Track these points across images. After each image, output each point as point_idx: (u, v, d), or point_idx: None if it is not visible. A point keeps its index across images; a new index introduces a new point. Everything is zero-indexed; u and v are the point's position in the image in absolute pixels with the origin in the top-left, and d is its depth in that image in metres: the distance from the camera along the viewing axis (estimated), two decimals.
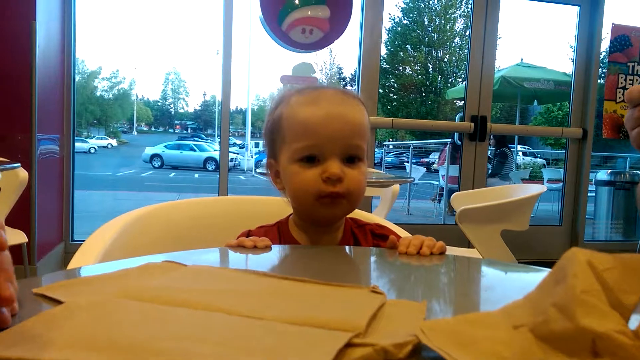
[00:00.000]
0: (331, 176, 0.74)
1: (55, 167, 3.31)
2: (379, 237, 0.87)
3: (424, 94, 21.58)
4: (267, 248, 0.71)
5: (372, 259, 0.71)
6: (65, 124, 3.41)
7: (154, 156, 17.04)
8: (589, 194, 4.16)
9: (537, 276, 0.64)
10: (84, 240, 0.82)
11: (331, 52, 20.83)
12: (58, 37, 3.28)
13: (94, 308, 0.37)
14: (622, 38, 3.99)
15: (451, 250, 0.73)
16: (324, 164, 0.75)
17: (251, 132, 21.10)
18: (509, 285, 0.61)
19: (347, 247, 0.81)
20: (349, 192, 0.76)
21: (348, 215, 0.87)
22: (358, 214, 0.99)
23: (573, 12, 4.09)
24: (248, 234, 0.85)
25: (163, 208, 1.00)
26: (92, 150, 20.99)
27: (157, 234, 0.95)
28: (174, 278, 0.47)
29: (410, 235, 0.79)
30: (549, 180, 7.89)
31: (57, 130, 3.32)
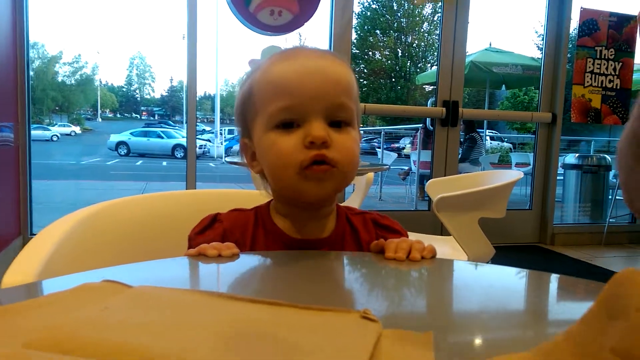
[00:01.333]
0: (315, 140, 0.61)
1: (10, 156, 3.12)
2: (383, 227, 0.75)
3: (393, 79, 21.64)
4: (234, 256, 0.60)
5: (358, 266, 0.63)
6: (20, 111, 3.21)
7: (120, 144, 16.56)
8: (557, 178, 4.21)
9: (539, 282, 0.59)
10: None
11: (300, 36, 20.59)
12: (8, 19, 3.06)
13: None
14: (590, 22, 4.02)
15: (427, 240, 0.65)
16: (305, 128, 0.62)
17: (220, 118, 20.75)
18: (517, 296, 0.54)
19: (328, 253, 0.69)
20: (339, 161, 0.62)
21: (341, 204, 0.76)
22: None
23: None
24: (214, 218, 0.73)
25: (120, 204, 0.90)
26: (55, 138, 20.25)
27: (113, 235, 0.85)
28: (113, 310, 0.38)
29: (405, 232, 0.71)
30: (517, 164, 8.02)
31: (11, 117, 3.12)
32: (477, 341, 0.38)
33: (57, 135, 20.74)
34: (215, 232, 0.71)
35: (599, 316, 0.24)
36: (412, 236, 0.70)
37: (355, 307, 0.38)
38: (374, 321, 0.35)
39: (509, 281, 0.61)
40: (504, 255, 3.57)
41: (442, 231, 3.34)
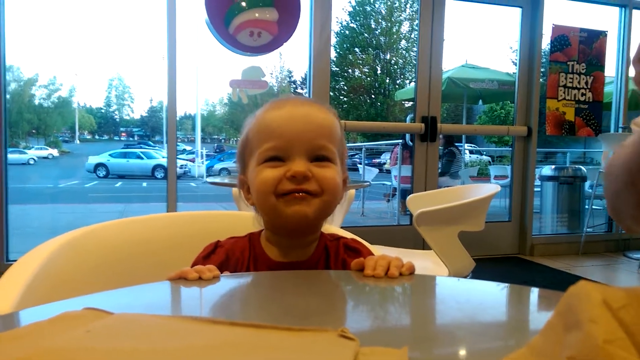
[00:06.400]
0: (296, 174, 0.71)
1: None
2: (350, 249, 0.81)
3: (373, 96, 21.88)
4: (215, 279, 0.61)
5: (338, 284, 0.64)
6: None
7: (99, 165, 16.31)
8: (535, 189, 4.29)
9: (515, 295, 0.60)
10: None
11: (281, 55, 20.74)
12: None
13: None
14: (562, 38, 4.15)
15: (409, 254, 0.67)
16: (288, 164, 0.72)
17: (201, 138, 20.64)
18: (495, 312, 0.55)
19: (308, 272, 0.72)
20: (322, 190, 0.72)
21: (327, 231, 0.83)
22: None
23: (515, 13, 4.22)
24: (216, 245, 0.81)
25: (98, 230, 0.89)
26: (32, 162, 19.85)
27: (93, 261, 0.85)
28: (94, 335, 0.38)
29: (378, 252, 0.73)
30: (496, 177, 8.15)
31: None
32: (453, 355, 0.39)
33: (33, 159, 20.33)
34: (218, 257, 0.79)
35: (557, 328, 0.26)
36: (394, 251, 0.72)
37: (335, 325, 0.39)
38: (352, 339, 0.36)
39: (486, 295, 0.62)
40: (485, 267, 3.61)
41: (424, 245, 3.37)
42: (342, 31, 21.15)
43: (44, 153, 23.08)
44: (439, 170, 6.42)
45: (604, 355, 0.22)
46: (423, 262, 2.00)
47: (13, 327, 0.46)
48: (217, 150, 21.75)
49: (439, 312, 0.54)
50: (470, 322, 0.49)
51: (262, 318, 0.41)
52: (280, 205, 0.72)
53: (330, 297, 0.59)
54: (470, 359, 0.39)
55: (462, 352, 0.41)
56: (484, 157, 15.63)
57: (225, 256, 0.79)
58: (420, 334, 0.45)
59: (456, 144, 7.13)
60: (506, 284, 0.62)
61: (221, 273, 0.65)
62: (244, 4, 3.44)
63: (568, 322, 0.25)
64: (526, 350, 0.27)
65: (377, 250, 0.83)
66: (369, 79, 21.99)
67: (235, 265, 0.79)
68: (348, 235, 0.88)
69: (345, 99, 21.64)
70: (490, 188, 1.90)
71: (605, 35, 4.30)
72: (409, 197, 2.23)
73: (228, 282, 0.63)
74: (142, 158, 17.09)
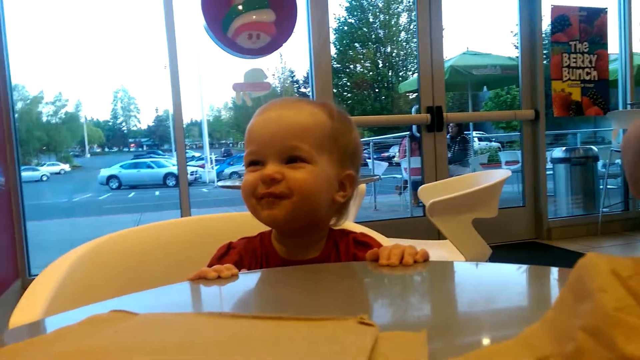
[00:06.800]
0: (263, 178, 0.74)
1: (2, 200, 3.12)
2: (360, 244, 0.82)
3: (377, 90, 21.84)
4: (234, 277, 0.63)
5: (354, 275, 0.65)
6: (8, 153, 3.21)
7: (111, 177, 16.48)
8: (547, 173, 4.25)
9: (530, 277, 0.61)
10: None
11: (282, 56, 20.76)
12: None
13: None
14: (562, 18, 4.11)
15: (425, 245, 0.68)
16: (264, 167, 0.75)
17: (209, 143, 20.72)
18: (507, 291, 0.56)
19: (325, 265, 0.73)
20: (292, 192, 0.73)
21: (337, 227, 0.84)
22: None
23: None
24: (229, 246, 0.83)
25: (117, 238, 0.91)
26: (44, 178, 20.09)
27: (114, 268, 0.87)
28: (122, 334, 0.39)
29: (390, 243, 0.74)
30: (507, 162, 8.09)
31: (0, 160, 3.12)
32: (471, 337, 0.40)
33: (46, 175, 20.58)
34: (231, 258, 0.81)
35: (568, 300, 0.27)
36: (409, 243, 0.73)
37: (354, 314, 0.40)
38: (371, 325, 0.37)
39: (502, 277, 0.63)
40: (502, 254, 3.59)
41: (439, 236, 3.36)
42: (341, 27, 21.12)
43: (56, 169, 23.35)
44: (453, 158, 6.41)
45: (614, 322, 0.23)
46: (439, 252, 2.00)
47: (40, 334, 0.48)
48: (225, 154, 21.85)
49: (457, 296, 0.55)
50: (488, 304, 0.50)
51: (282, 311, 0.42)
52: (258, 209, 0.76)
53: (347, 288, 0.60)
54: (490, 339, 0.40)
55: (481, 333, 0.41)
56: (494, 144, 15.53)
57: (239, 256, 0.81)
58: (438, 317, 0.46)
59: (464, 132, 7.11)
60: (523, 265, 0.62)
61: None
62: (240, 7, 3.45)
63: (579, 293, 0.26)
64: (540, 325, 0.28)
65: (391, 241, 0.83)
66: (371, 73, 21.94)
67: (249, 265, 0.80)
68: (357, 229, 0.89)
69: (349, 94, 21.62)
70: (501, 174, 1.89)
71: (606, 12, 4.25)
72: (420, 188, 2.23)
73: (246, 279, 0.65)
74: (152, 167, 17.22)
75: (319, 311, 0.41)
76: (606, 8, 4.26)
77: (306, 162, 0.75)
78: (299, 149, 0.75)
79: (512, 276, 0.63)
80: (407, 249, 0.67)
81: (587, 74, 4.15)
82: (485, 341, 0.39)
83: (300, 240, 0.81)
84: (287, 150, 0.75)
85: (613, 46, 4.41)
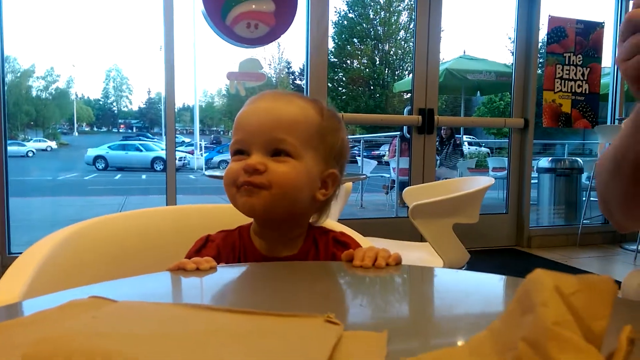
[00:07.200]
0: (246, 167, 0.74)
1: None
2: (339, 243, 0.83)
3: (372, 87, 21.85)
4: (212, 270, 0.64)
5: (328, 275, 0.67)
6: None
7: (98, 158, 16.33)
8: (532, 181, 4.32)
9: (495, 285, 0.63)
10: (22, 253, 0.75)
11: (279, 46, 20.69)
12: None
13: None
14: (558, 29, 4.16)
15: (405, 246, 0.71)
16: (248, 158, 0.76)
17: (200, 130, 20.62)
18: (473, 300, 0.58)
19: (301, 263, 0.76)
20: (271, 184, 0.74)
21: (317, 225, 0.85)
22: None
23: (512, 3, 4.22)
24: (207, 239, 0.83)
25: (100, 223, 0.92)
26: (30, 154, 19.85)
27: (96, 253, 0.88)
28: (100, 320, 0.41)
29: (367, 242, 0.76)
30: (494, 169, 8.17)
31: None
32: (430, 337, 0.42)
33: (32, 151, 20.33)
34: (209, 251, 0.81)
35: (515, 312, 0.29)
36: (391, 243, 0.75)
37: (323, 312, 0.42)
38: (337, 324, 0.40)
39: (473, 285, 0.65)
40: (482, 259, 3.65)
41: (421, 238, 3.40)
42: (341, 21, 21.06)
43: (42, 145, 23.05)
44: (444, 160, 6.47)
45: (551, 335, 0.25)
46: (419, 253, 2.03)
47: (19, 316, 0.49)
48: (214, 142, 21.73)
49: (423, 300, 0.57)
50: (452, 309, 0.52)
51: (256, 305, 0.44)
52: (237, 196, 0.76)
53: (320, 286, 0.62)
54: (448, 344, 0.42)
55: (441, 337, 0.44)
56: (483, 149, 15.66)
57: (216, 251, 0.81)
58: (402, 320, 0.48)
59: (455, 135, 7.17)
60: (495, 275, 0.64)
61: None
62: None
63: (524, 306, 0.28)
64: (487, 333, 0.31)
65: (370, 242, 0.85)
66: (367, 70, 21.94)
67: (226, 259, 0.81)
68: (337, 228, 0.91)
69: (344, 90, 21.61)
70: (484, 181, 1.92)
71: (603, 26, 4.31)
72: (405, 190, 2.26)
73: (224, 273, 0.66)
74: (140, 150, 17.09)
75: (291, 308, 0.43)
76: (603, 22, 4.32)
77: (291, 157, 0.75)
78: (285, 142, 0.75)
79: (482, 284, 0.65)
80: (381, 252, 0.68)
81: (579, 86, 4.21)
82: (444, 345, 0.42)
83: (278, 235, 0.82)
84: (273, 143, 0.75)
85: (607, 60, 4.47)
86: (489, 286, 0.64)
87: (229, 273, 0.68)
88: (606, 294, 0.27)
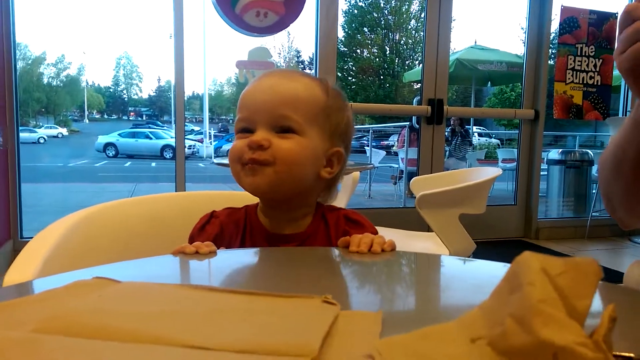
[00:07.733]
0: (250, 143, 0.74)
1: None
2: (352, 222, 0.83)
3: (382, 77, 21.73)
4: (212, 254, 0.66)
5: (326, 260, 0.69)
6: (7, 114, 3.22)
7: (108, 145, 16.47)
8: (542, 173, 4.30)
9: (489, 271, 0.64)
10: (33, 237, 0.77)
11: (289, 34, 20.62)
12: None
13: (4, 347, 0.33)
14: (571, 20, 4.11)
15: (412, 236, 0.72)
16: (253, 134, 0.76)
17: (209, 118, 20.67)
18: (463, 284, 0.60)
19: (300, 248, 0.77)
20: (275, 160, 0.73)
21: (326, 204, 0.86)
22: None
23: None
24: (211, 215, 0.83)
25: (112, 207, 0.94)
26: (42, 141, 20.06)
27: (107, 237, 0.90)
28: (106, 298, 0.43)
29: (371, 227, 0.77)
30: (504, 160, 8.12)
31: (0, 120, 3.13)
32: (424, 315, 0.44)
33: (43, 138, 20.54)
34: (213, 227, 0.81)
35: (504, 291, 0.30)
36: (398, 233, 0.77)
37: (321, 293, 0.44)
38: (334, 304, 0.41)
39: (471, 272, 0.66)
40: (489, 249, 3.65)
41: (429, 228, 3.41)
42: (351, 10, 20.91)
43: (53, 132, 23.27)
44: (454, 151, 6.45)
45: (536, 311, 0.26)
46: (425, 243, 2.04)
47: (29, 294, 0.51)
48: (222, 130, 21.78)
49: (418, 284, 0.59)
50: (442, 290, 0.54)
51: (256, 288, 0.46)
52: (242, 175, 0.76)
53: (318, 271, 0.63)
54: (441, 319, 0.43)
55: (434, 317, 0.45)
56: (493, 140, 15.56)
57: (220, 228, 0.81)
58: (397, 301, 0.50)
59: (466, 126, 7.13)
60: (497, 263, 0.65)
61: (215, 244, 0.69)
62: None
63: (513, 285, 0.29)
64: (478, 311, 0.32)
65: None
66: (377, 59, 21.81)
67: (230, 237, 0.81)
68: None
69: (353, 79, 21.52)
70: (491, 171, 1.92)
71: (616, 17, 4.24)
72: (412, 180, 2.26)
73: (224, 257, 0.68)
74: (150, 138, 17.20)
75: (290, 290, 0.45)
76: (616, 13, 4.25)
77: (296, 133, 0.75)
78: (290, 119, 0.75)
79: (481, 272, 0.66)
80: (377, 238, 0.70)
81: (591, 78, 4.16)
82: (431, 315, 0.43)
83: (285, 213, 0.81)
84: (278, 119, 0.75)
85: None
86: (484, 271, 0.65)
87: (229, 257, 0.70)
88: (591, 275, 0.28)
